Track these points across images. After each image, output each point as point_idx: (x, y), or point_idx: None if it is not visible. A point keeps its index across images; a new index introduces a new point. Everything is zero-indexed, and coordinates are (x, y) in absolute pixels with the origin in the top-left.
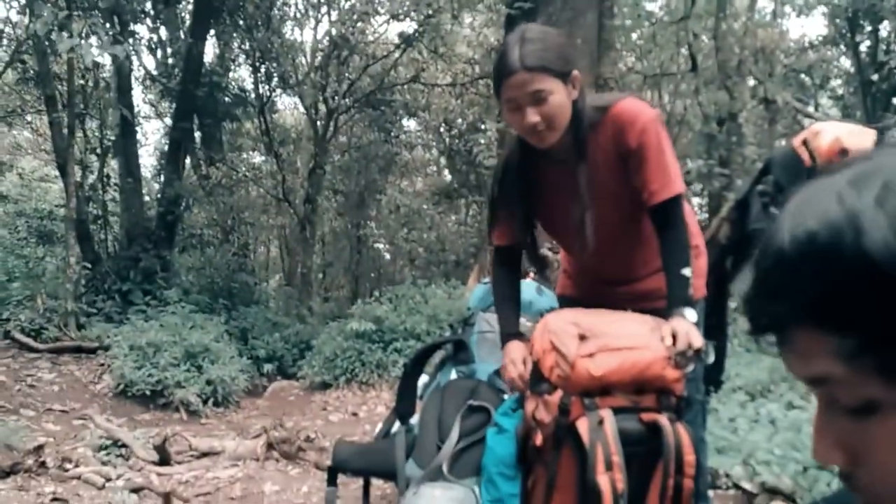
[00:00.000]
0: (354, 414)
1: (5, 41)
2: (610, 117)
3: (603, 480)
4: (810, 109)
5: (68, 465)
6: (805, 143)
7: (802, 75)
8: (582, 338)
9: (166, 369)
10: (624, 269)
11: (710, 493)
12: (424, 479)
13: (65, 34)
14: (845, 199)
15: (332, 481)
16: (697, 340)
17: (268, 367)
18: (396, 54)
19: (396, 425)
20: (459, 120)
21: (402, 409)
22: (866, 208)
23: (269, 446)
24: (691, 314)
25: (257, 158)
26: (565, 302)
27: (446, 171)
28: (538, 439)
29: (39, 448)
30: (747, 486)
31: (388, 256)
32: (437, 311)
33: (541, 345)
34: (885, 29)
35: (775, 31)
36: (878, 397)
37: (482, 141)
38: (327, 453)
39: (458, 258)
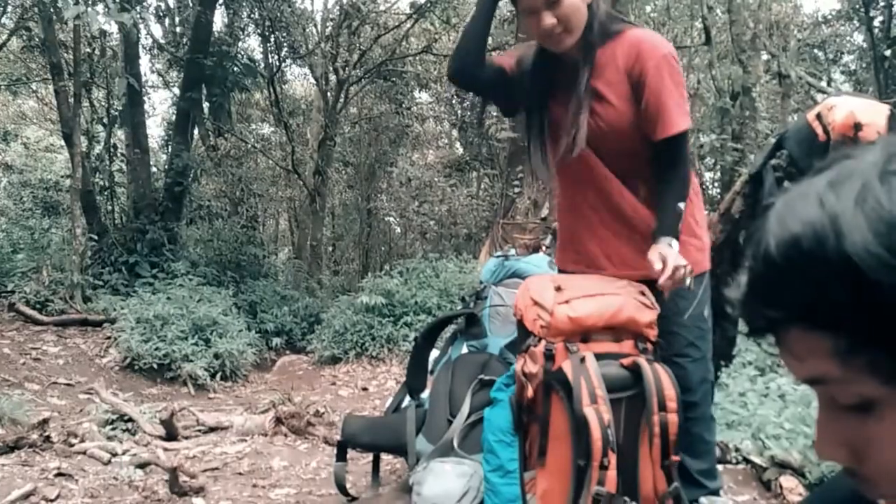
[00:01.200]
0: (364, 389)
1: (10, 8)
2: (628, 38)
3: (589, 412)
4: (823, 84)
5: (73, 440)
6: (819, 117)
7: (816, 50)
8: (558, 290)
9: (173, 343)
10: (610, 215)
11: (720, 467)
12: (435, 454)
13: (70, 1)
14: (826, 202)
15: (341, 456)
16: (682, 267)
17: (276, 341)
18: (408, 25)
19: (407, 400)
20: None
21: (413, 383)
22: (846, 210)
23: (278, 421)
24: (675, 245)
25: (266, 129)
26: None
27: (458, 144)
28: (529, 392)
29: (44, 422)
30: (757, 460)
31: (398, 230)
32: (448, 285)
33: (522, 302)
34: None
35: (789, 5)
36: (873, 395)
37: (494, 113)
38: (336, 428)
39: (469, 232)
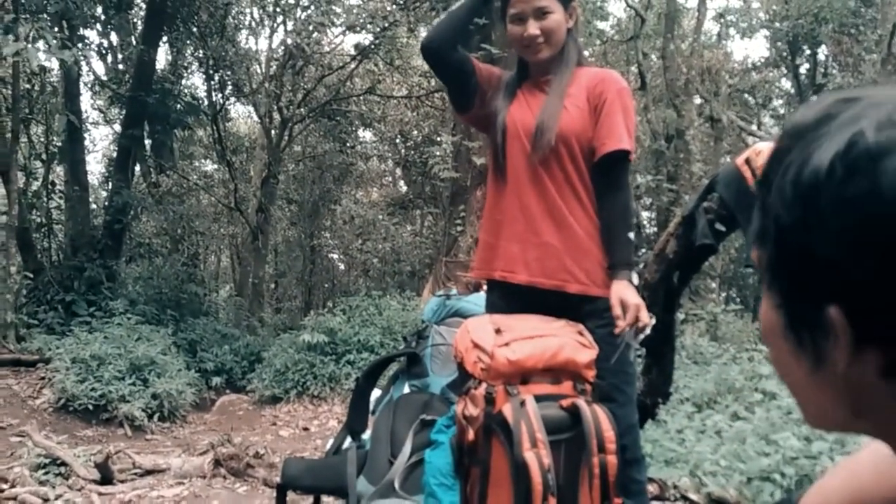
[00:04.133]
0: (306, 429)
1: None
2: (594, 72)
3: (529, 456)
4: (753, 128)
5: (4, 486)
6: (748, 161)
7: (746, 95)
8: (498, 332)
9: (110, 383)
10: (549, 222)
11: None
12: (376, 495)
13: (10, 37)
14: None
15: (281, 500)
16: (645, 316)
17: (216, 381)
18: (352, 65)
19: (348, 441)
20: (415, 132)
21: (354, 423)
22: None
23: (217, 463)
24: (635, 278)
25: (209, 167)
26: (492, 289)
27: (402, 183)
28: (470, 435)
29: None
30: (694, 497)
31: (342, 267)
32: (391, 323)
33: (462, 344)
34: (822, 53)
35: (720, 52)
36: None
37: (437, 153)
38: (277, 470)
39: (413, 269)
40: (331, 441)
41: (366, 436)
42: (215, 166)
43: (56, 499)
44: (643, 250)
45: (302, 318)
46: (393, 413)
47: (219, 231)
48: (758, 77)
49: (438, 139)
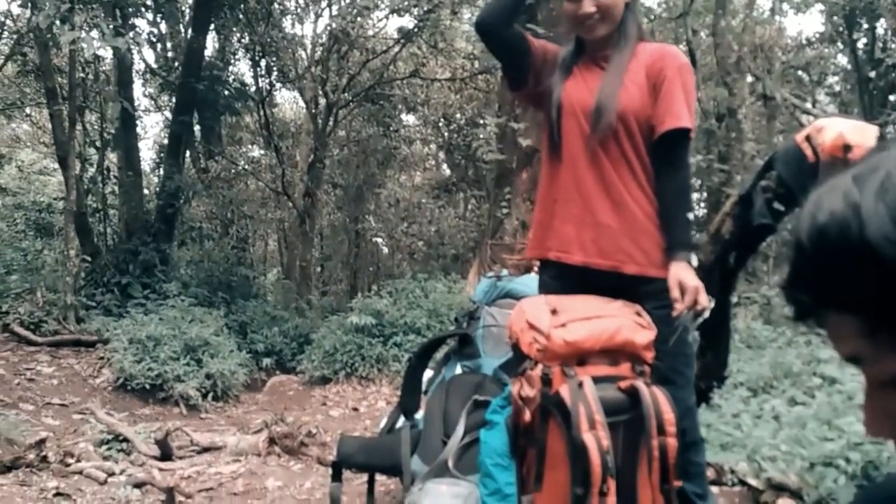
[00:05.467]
0: (355, 409)
1: (6, 34)
2: (654, 47)
3: (588, 438)
4: (808, 106)
5: (70, 460)
6: (808, 138)
7: (800, 72)
8: (554, 313)
9: (166, 363)
10: (607, 202)
11: (716, 489)
12: (430, 474)
13: (67, 27)
14: (849, 194)
15: (337, 477)
16: (704, 299)
17: (266, 362)
18: (396, 49)
19: (401, 420)
20: (458, 114)
21: (407, 404)
22: (867, 201)
23: (271, 441)
24: (693, 259)
25: (256, 152)
26: (545, 269)
27: (445, 166)
28: (526, 416)
29: (41, 442)
30: (753, 482)
31: (385, 250)
32: (437, 306)
33: (518, 325)
34: (881, 26)
35: (773, 28)
36: None
37: (481, 136)
38: (329, 448)
39: (457, 252)
40: (384, 420)
41: (419, 416)
42: (262, 151)
43: (120, 473)
44: (695, 232)
45: (348, 301)
46: (446, 393)
47: (266, 215)
48: (812, 53)
49: (482, 121)
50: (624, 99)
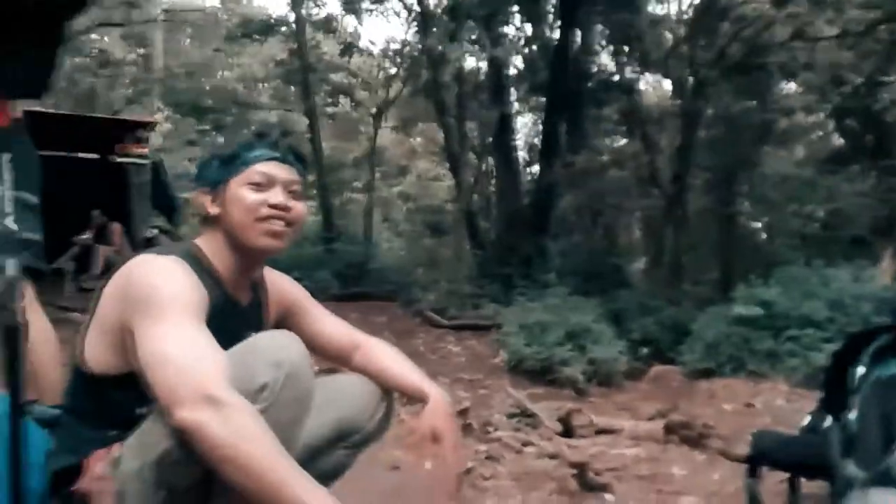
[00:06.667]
0: (748, 405)
1: (398, 60)
2: None
3: None
4: None
5: (489, 429)
6: None
7: None
8: None
9: (552, 347)
10: None
11: None
12: (870, 482)
13: (455, 44)
14: None
15: (753, 472)
16: None
17: (644, 350)
18: (771, 13)
19: (828, 420)
20: (852, 74)
21: (832, 401)
22: None
23: (669, 429)
24: None
25: (620, 141)
26: None
27: (835, 136)
28: None
29: (464, 411)
30: None
31: (763, 235)
32: (841, 296)
33: None
34: None
35: None
36: None
37: (885, 95)
38: (731, 442)
39: (859, 234)
40: (807, 418)
41: (851, 416)
42: (625, 140)
43: (532, 445)
44: None
45: (722, 290)
46: (885, 393)
47: (631, 204)
48: None
49: (886, 79)
50: None
